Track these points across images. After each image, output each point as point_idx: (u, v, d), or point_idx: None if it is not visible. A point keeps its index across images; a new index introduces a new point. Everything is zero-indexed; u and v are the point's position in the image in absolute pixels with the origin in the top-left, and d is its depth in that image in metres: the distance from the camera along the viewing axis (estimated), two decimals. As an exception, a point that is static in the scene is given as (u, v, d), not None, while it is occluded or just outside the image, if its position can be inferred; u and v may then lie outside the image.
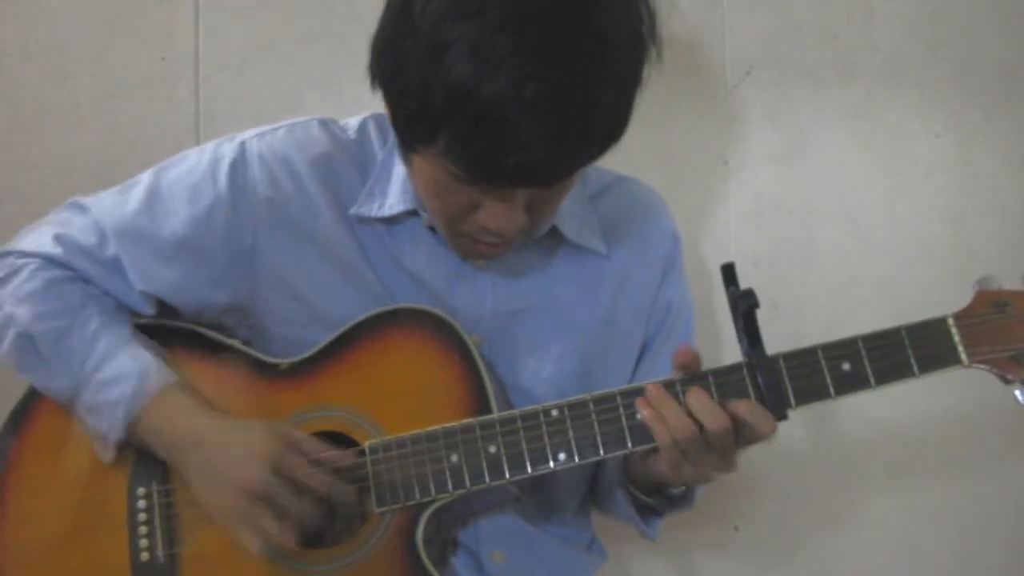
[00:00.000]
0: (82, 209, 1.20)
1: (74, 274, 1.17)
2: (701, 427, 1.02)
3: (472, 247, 1.11)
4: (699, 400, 1.03)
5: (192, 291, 1.18)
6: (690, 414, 1.03)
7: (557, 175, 0.99)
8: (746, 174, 1.68)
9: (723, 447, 1.03)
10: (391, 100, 1.00)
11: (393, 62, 0.97)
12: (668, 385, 1.06)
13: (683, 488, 1.17)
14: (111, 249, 1.17)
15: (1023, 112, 1.68)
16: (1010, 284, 1.07)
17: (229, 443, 1.09)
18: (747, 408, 1.03)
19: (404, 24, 0.95)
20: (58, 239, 1.17)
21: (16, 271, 1.17)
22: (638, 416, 1.05)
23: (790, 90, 1.68)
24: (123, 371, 1.11)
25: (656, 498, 1.19)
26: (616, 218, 1.26)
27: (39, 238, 1.19)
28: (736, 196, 1.68)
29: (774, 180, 1.68)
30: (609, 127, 0.99)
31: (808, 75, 1.68)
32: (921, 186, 1.69)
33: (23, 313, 1.13)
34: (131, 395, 1.10)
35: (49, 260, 1.17)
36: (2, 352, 1.15)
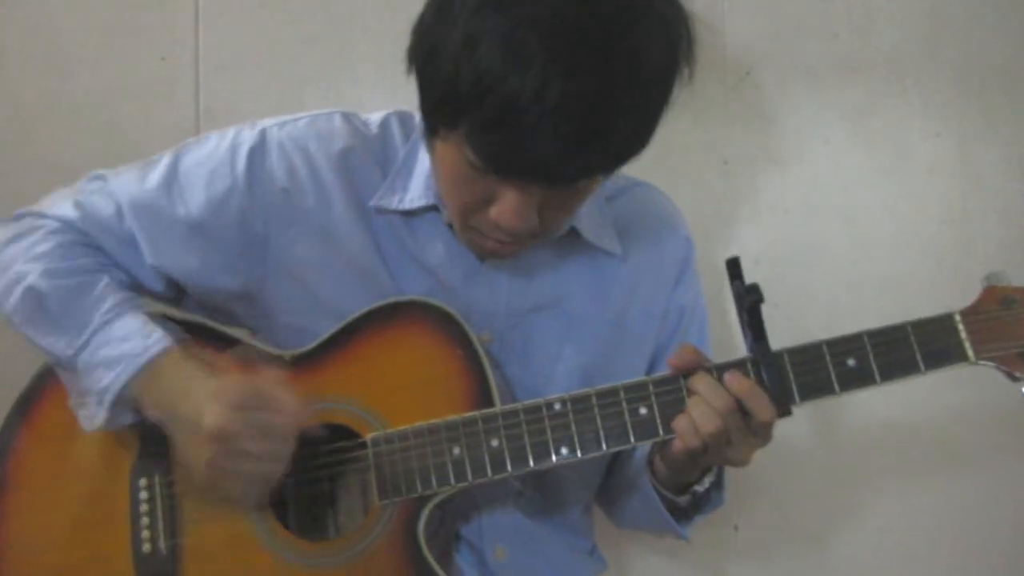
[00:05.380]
0: (103, 181, 1.20)
1: (88, 241, 1.17)
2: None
3: (481, 242, 1.11)
4: (704, 383, 1.05)
5: (203, 274, 1.18)
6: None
7: (570, 177, 0.99)
8: (746, 174, 1.68)
9: (734, 430, 1.04)
10: (421, 83, 1.00)
11: (429, 46, 0.98)
12: (671, 380, 1.07)
13: (707, 485, 1.17)
14: (127, 223, 1.17)
15: (1023, 112, 1.69)
16: (1018, 281, 1.06)
17: (198, 389, 1.06)
18: (743, 386, 1.03)
19: (445, 10, 0.96)
20: (77, 205, 1.18)
21: (31, 231, 1.16)
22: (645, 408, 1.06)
23: (790, 90, 1.68)
24: (128, 331, 1.11)
25: (685, 498, 1.18)
26: (629, 221, 1.26)
27: (58, 202, 1.19)
28: (736, 196, 1.68)
29: (774, 180, 1.69)
30: (629, 141, 0.99)
31: (808, 75, 1.68)
32: (921, 186, 1.69)
33: (34, 270, 1.13)
34: (132, 355, 1.09)
35: (65, 224, 1.17)
36: (8, 308, 1.14)
